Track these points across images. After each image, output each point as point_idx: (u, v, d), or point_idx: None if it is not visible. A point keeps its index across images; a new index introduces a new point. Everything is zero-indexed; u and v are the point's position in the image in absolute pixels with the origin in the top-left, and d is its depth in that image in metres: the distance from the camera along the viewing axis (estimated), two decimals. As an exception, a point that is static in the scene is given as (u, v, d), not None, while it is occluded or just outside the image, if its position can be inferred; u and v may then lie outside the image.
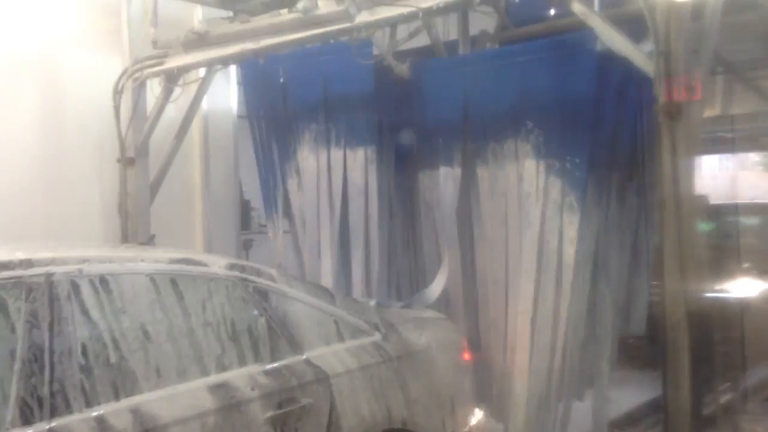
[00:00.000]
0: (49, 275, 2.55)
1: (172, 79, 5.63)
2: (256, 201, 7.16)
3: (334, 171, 5.42)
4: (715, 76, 5.84)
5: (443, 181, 5.02)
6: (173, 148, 6.04)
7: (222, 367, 2.89)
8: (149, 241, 4.01)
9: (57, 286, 2.55)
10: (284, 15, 4.52)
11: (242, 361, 2.98)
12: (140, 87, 5.74)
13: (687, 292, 3.60)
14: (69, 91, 5.91)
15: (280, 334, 3.14)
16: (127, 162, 5.76)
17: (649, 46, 3.68)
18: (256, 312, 3.13)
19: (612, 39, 3.85)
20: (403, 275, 5.53)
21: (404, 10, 4.18)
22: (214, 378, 2.84)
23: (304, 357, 3.17)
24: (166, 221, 6.16)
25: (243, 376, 2.93)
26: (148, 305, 2.78)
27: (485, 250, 4.91)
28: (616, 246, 4.80)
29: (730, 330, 5.43)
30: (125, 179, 5.79)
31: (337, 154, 5.39)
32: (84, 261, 2.67)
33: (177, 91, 5.72)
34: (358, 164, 5.29)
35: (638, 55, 3.74)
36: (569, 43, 4.45)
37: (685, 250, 3.59)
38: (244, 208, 7.46)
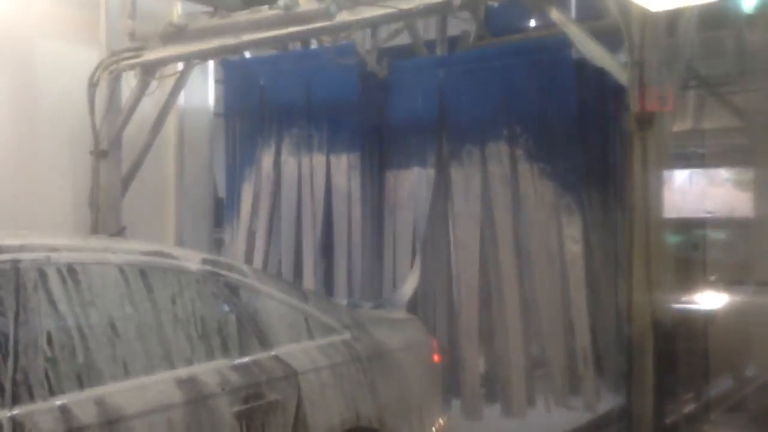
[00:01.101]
0: (15, 262, 2.50)
1: (148, 72, 5.59)
2: (230, 199, 7.10)
3: (316, 175, 5.42)
4: (687, 91, 5.93)
5: (417, 181, 5.03)
6: (147, 143, 5.99)
7: (190, 361, 2.86)
8: (120, 232, 3.96)
9: (24, 273, 2.50)
10: (265, 11, 4.52)
11: (210, 356, 2.95)
12: (116, 79, 5.69)
13: (653, 302, 3.66)
14: (43, 82, 5.83)
15: (250, 330, 3.13)
16: (99, 154, 5.70)
17: (624, 56, 3.74)
18: (226, 307, 3.10)
19: (588, 48, 3.91)
20: (381, 276, 5.53)
21: (384, 11, 4.20)
22: (182, 371, 2.81)
23: (273, 353, 3.15)
24: (138, 215, 6.10)
25: (211, 370, 2.89)
26: (117, 296, 2.74)
27: (462, 251, 4.92)
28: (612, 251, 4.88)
29: (694, 341, 5.50)
30: (97, 172, 5.73)
31: (319, 158, 5.39)
32: (53, 249, 2.63)
33: (153, 84, 5.69)
34: (342, 169, 5.29)
35: (613, 64, 3.80)
36: (547, 46, 4.51)
37: (653, 260, 3.65)
38: (218, 206, 7.40)
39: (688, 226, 6.49)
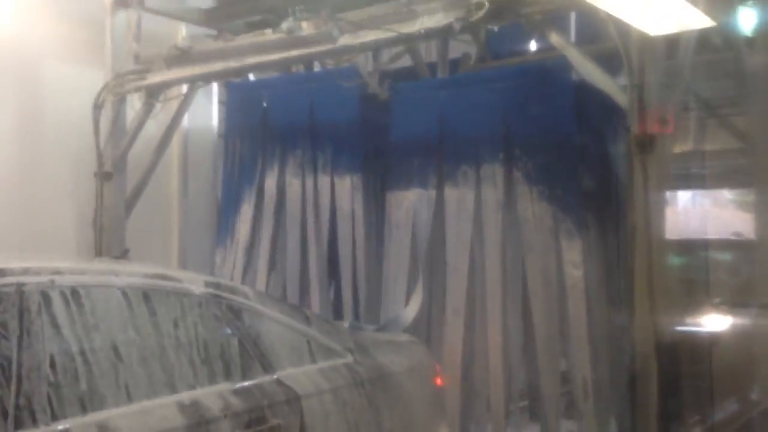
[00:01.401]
0: (20, 285, 2.51)
1: (153, 94, 5.63)
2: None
3: (321, 197, 5.42)
4: (688, 113, 5.96)
5: (417, 203, 5.04)
6: (151, 164, 6.02)
7: (192, 385, 2.85)
8: (123, 255, 3.97)
9: (28, 297, 2.51)
10: (268, 35, 4.56)
11: (212, 380, 2.93)
12: (121, 101, 5.73)
13: (656, 324, 3.65)
14: (48, 103, 5.88)
15: (252, 353, 3.12)
16: (104, 176, 5.73)
17: (623, 79, 3.77)
18: (228, 330, 3.10)
19: (588, 71, 3.94)
20: (384, 298, 5.52)
21: (386, 35, 4.24)
22: (184, 395, 2.80)
23: (276, 376, 3.14)
24: (142, 236, 6.11)
25: (213, 394, 2.88)
26: (120, 320, 2.74)
27: (452, 275, 4.88)
28: (616, 276, 4.79)
29: (699, 364, 5.47)
30: (101, 193, 5.75)
31: (324, 180, 5.40)
32: (56, 272, 2.63)
33: (158, 107, 5.72)
34: (345, 190, 5.30)
35: (613, 87, 3.83)
36: (547, 69, 4.54)
37: (656, 282, 3.65)
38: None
39: (690, 247, 6.48)
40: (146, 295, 2.84)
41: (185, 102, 6.07)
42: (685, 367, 4.89)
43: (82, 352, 2.57)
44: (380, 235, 5.36)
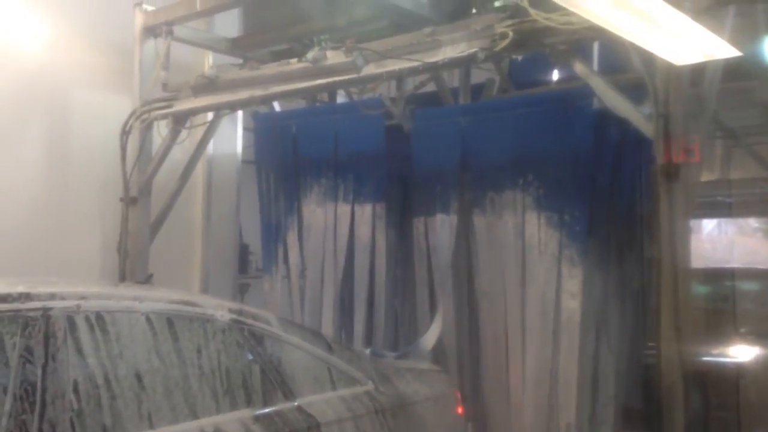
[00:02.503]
0: (46, 310, 2.54)
1: (179, 121, 5.72)
2: (255, 245, 7.18)
3: (340, 225, 5.45)
4: (714, 141, 5.93)
5: (440, 229, 5.03)
6: (176, 190, 6.09)
7: (214, 411, 2.86)
8: (147, 280, 4.00)
9: (54, 322, 2.54)
10: (293, 64, 4.62)
11: (234, 406, 2.94)
12: (148, 128, 5.82)
13: (683, 354, 3.60)
14: (76, 129, 5.99)
15: (273, 380, 3.12)
16: (129, 201, 5.80)
17: (648, 108, 3.76)
18: (250, 356, 3.11)
19: (612, 100, 3.94)
20: (404, 324, 5.51)
21: (410, 64, 4.27)
22: (205, 421, 2.81)
23: (296, 403, 3.15)
24: (165, 261, 6.17)
25: (234, 421, 2.89)
26: (144, 345, 2.77)
27: (482, 301, 4.88)
28: (617, 310, 4.70)
29: (725, 395, 5.37)
30: (126, 218, 5.82)
31: (344, 208, 5.44)
32: (82, 297, 2.67)
33: (183, 133, 5.81)
34: (366, 219, 5.32)
35: (637, 116, 3.82)
36: (567, 97, 4.54)
37: (682, 312, 3.60)
38: (243, 252, 7.47)
39: (717, 276, 6.40)
40: (170, 321, 2.88)
41: (210, 129, 6.15)
42: (712, 398, 4.80)
43: (106, 378, 2.60)
44: (400, 262, 5.36)
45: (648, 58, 3.57)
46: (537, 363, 4.48)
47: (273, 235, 5.96)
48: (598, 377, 4.50)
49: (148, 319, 2.81)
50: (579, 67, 4.03)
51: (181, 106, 5.56)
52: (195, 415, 2.80)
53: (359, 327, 5.32)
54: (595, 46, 4.98)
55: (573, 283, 4.38)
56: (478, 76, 5.88)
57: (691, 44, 3.13)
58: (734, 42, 3.20)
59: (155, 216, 6.01)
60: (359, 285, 5.35)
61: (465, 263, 4.99)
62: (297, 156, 5.79)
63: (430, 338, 4.75)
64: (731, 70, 3.93)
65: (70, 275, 5.58)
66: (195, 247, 6.82)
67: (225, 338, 3.03)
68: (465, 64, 4.86)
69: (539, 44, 4.02)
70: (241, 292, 7.31)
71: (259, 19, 5.88)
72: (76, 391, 2.50)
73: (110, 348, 2.65)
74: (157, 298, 2.95)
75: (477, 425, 4.80)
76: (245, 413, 2.95)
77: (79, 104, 6.01)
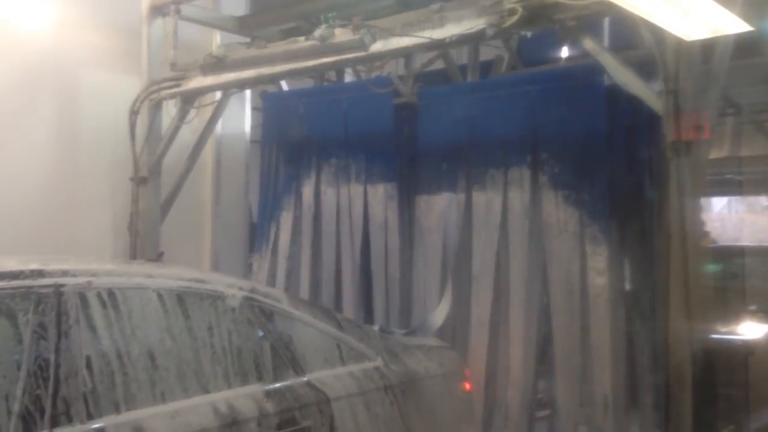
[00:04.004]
0: (58, 287, 2.57)
1: (188, 101, 5.72)
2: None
3: (354, 205, 5.46)
4: (724, 118, 5.88)
5: (447, 207, 5.02)
6: (186, 169, 6.11)
7: (224, 386, 2.90)
8: (158, 258, 4.04)
9: (66, 299, 2.57)
10: (301, 42, 4.60)
11: (244, 381, 2.98)
12: (156, 108, 5.83)
13: (692, 331, 3.60)
14: (86, 110, 6.01)
15: (283, 356, 3.16)
16: (139, 181, 5.83)
17: (658, 85, 3.73)
18: (260, 332, 3.14)
19: (622, 76, 3.91)
20: (416, 303, 5.52)
21: (418, 41, 4.25)
22: (216, 396, 2.85)
23: (306, 379, 3.19)
24: (175, 241, 6.21)
25: (244, 395, 2.93)
26: (155, 322, 2.80)
27: (476, 283, 4.85)
28: (647, 286, 4.61)
29: (734, 372, 5.39)
30: (137, 198, 5.85)
31: (357, 188, 5.44)
32: (93, 274, 2.70)
33: (192, 113, 5.81)
34: (378, 199, 5.32)
35: (648, 92, 3.79)
36: (578, 73, 4.50)
37: (691, 289, 3.60)
38: (253, 231, 7.49)
39: (726, 254, 6.39)
40: (180, 298, 2.90)
41: (219, 108, 6.15)
42: (721, 376, 4.81)
43: (118, 353, 2.63)
44: (412, 241, 5.36)
45: (658, 34, 3.54)
46: (566, 337, 4.46)
47: (268, 214, 5.96)
48: (634, 351, 4.46)
49: (159, 296, 2.84)
50: (589, 44, 3.99)
51: (189, 85, 5.56)
52: (207, 391, 2.83)
53: (379, 306, 5.33)
54: (605, 22, 4.94)
55: (598, 260, 4.34)
56: (487, 54, 5.85)
57: (702, 20, 3.10)
58: (745, 17, 3.17)
59: (165, 196, 6.03)
60: (376, 264, 5.35)
61: (468, 243, 4.97)
62: (304, 135, 5.78)
63: (438, 316, 4.77)
64: (742, 46, 3.89)
65: (81, 254, 5.64)
66: (205, 227, 6.85)
67: (236, 315, 3.07)
68: (473, 41, 4.81)
69: (549, 20, 3.98)
70: (251, 270, 7.35)
71: (266, -3, 5.87)
72: (89, 367, 2.53)
73: (122, 324, 2.68)
74: (169, 276, 2.98)
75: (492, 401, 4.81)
76: (256, 388, 2.99)
77: (88, 85, 6.02)
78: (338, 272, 5.53)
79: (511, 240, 4.69)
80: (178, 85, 5.62)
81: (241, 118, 7.02)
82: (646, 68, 3.87)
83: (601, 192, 4.39)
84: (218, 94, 6.04)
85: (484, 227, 4.82)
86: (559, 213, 4.49)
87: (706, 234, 4.77)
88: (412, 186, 5.38)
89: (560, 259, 4.49)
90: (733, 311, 5.73)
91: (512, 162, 4.70)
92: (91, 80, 6.03)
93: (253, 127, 7.05)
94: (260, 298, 3.20)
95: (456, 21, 4.23)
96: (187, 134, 6.07)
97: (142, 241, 5.81)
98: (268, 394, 3.01)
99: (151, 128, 5.82)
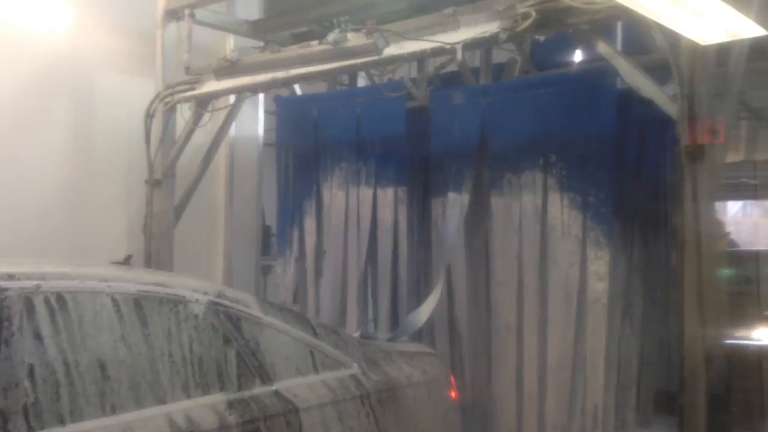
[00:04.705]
0: (2, 290, 2.43)
1: (202, 104, 5.76)
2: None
3: (363, 208, 5.45)
4: (739, 121, 5.85)
5: (456, 210, 5.00)
6: (199, 172, 6.15)
7: (183, 397, 2.74)
8: (126, 260, 3.85)
9: (9, 303, 2.42)
10: (314, 46, 4.61)
11: (205, 391, 2.82)
12: (171, 111, 5.87)
13: (706, 336, 3.58)
14: (102, 113, 6.07)
15: (249, 364, 3.00)
16: (154, 183, 5.88)
17: (672, 88, 3.72)
18: (225, 339, 2.97)
19: (636, 80, 3.90)
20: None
21: (431, 45, 4.26)
22: (173, 407, 2.69)
23: (274, 388, 3.03)
24: (189, 243, 6.25)
25: (205, 406, 2.77)
26: (108, 327, 2.62)
27: (496, 286, 4.83)
28: (643, 292, 4.64)
29: (748, 377, 5.35)
30: (151, 200, 5.90)
31: (367, 192, 5.43)
32: (42, 278, 2.54)
33: (206, 116, 5.84)
34: (388, 203, 5.31)
35: (662, 96, 3.78)
36: (590, 77, 4.48)
37: (705, 293, 3.58)
38: (265, 234, 7.54)
39: (741, 258, 6.35)
40: (138, 303, 2.73)
41: (232, 112, 6.18)
42: (735, 381, 4.78)
43: (65, 362, 2.48)
44: (421, 245, 5.35)
45: (672, 38, 3.53)
46: (560, 345, 4.45)
47: (289, 218, 5.98)
48: (621, 359, 4.47)
49: (114, 301, 2.66)
50: (602, 47, 3.98)
51: (203, 89, 5.60)
52: (163, 402, 2.67)
53: (383, 309, 5.33)
54: (619, 26, 4.93)
55: (599, 264, 4.31)
56: (499, 56, 5.84)
57: (717, 23, 3.09)
58: (761, 21, 3.15)
59: (179, 198, 6.07)
60: (383, 268, 5.35)
61: (482, 245, 4.97)
62: (318, 139, 5.80)
63: (423, 312, 4.59)
64: (758, 50, 3.87)
65: (96, 257, 5.69)
66: (218, 229, 6.89)
67: (199, 321, 2.89)
68: (486, 44, 4.82)
69: (562, 24, 3.98)
70: (263, 273, 7.39)
71: (280, 1, 5.89)
72: (31, 377, 2.37)
73: (71, 331, 2.51)
74: (126, 279, 2.79)
75: (482, 410, 4.79)
76: (218, 398, 2.83)
77: (104, 88, 6.08)
78: (365, 274, 5.51)
79: (525, 244, 4.67)
80: (192, 89, 5.66)
81: (254, 121, 7.06)
82: (659, 72, 3.86)
83: (607, 196, 4.37)
84: (232, 98, 6.07)
85: (502, 231, 4.79)
86: (563, 216, 4.47)
87: (726, 235, 4.74)
88: (424, 189, 5.37)
89: (561, 262, 4.47)
90: (747, 316, 5.69)
91: (526, 166, 4.68)
92: (107, 83, 6.09)
93: (266, 131, 7.09)
94: (227, 302, 3.04)
95: (469, 25, 4.23)
96: (201, 137, 6.11)
97: (157, 243, 5.85)
98: (231, 404, 2.85)
99: (166, 131, 5.86)
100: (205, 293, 2.98)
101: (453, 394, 3.82)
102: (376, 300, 5.44)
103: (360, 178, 5.49)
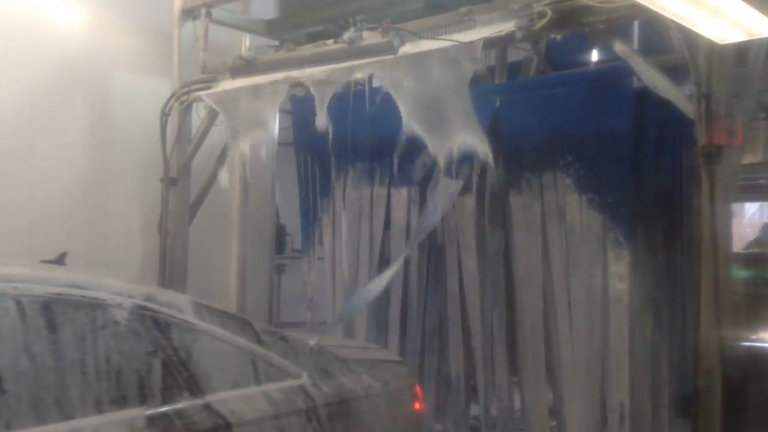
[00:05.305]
0: None
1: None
2: (291, 226, 7.25)
3: (376, 209, 5.47)
4: (757, 122, 5.78)
5: (469, 210, 5.00)
6: (214, 171, 6.17)
7: (93, 412, 2.47)
8: (60, 258, 3.62)
9: None
10: (329, 45, 4.63)
11: (122, 405, 2.54)
12: (186, 109, 5.90)
13: (722, 338, 3.56)
14: (118, 111, 6.11)
15: (177, 375, 2.72)
16: (169, 182, 5.90)
17: (689, 88, 3.70)
18: (149, 346, 2.69)
19: (653, 79, 3.87)
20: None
21: (447, 44, 4.25)
22: (80, 423, 2.42)
23: (205, 401, 2.75)
24: (204, 241, 6.28)
25: (119, 422, 2.50)
26: (8, 335, 2.35)
27: (519, 286, 4.83)
28: (667, 293, 4.59)
29: (765, 380, 5.30)
30: (167, 198, 5.93)
31: (381, 191, 5.44)
32: None
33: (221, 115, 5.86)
34: (401, 203, 5.31)
35: (679, 96, 3.76)
36: (607, 76, 4.45)
37: (722, 295, 3.56)
38: (279, 233, 7.55)
39: (757, 260, 6.29)
40: (47, 307, 2.46)
41: (248, 110, 6.19)
42: (751, 383, 4.74)
43: None
44: (435, 246, 5.33)
45: (690, 37, 3.50)
46: (586, 345, 4.43)
47: (311, 217, 5.99)
48: (652, 359, 4.42)
49: (18, 305, 2.39)
50: (619, 47, 3.96)
51: (219, 87, 5.62)
52: (69, 417, 2.40)
53: (395, 310, 5.33)
54: (635, 25, 4.90)
55: (620, 265, 4.29)
56: (515, 55, 5.82)
57: (735, 22, 3.06)
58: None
59: (194, 197, 6.10)
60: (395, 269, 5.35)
61: (500, 245, 4.95)
62: (333, 139, 5.80)
63: (373, 289, 4.35)
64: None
65: (112, 255, 5.75)
66: (233, 228, 6.91)
67: (120, 328, 2.62)
68: (502, 44, 4.81)
69: (578, 23, 3.96)
70: (278, 272, 7.41)
71: (295, 0, 5.89)
72: None
73: None
74: (37, 280, 2.53)
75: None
76: (136, 413, 2.55)
77: (120, 86, 6.12)
78: (357, 273, 5.53)
79: (550, 245, 4.65)
80: (208, 88, 5.68)
81: (268, 120, 7.06)
82: (676, 72, 3.83)
83: (626, 196, 4.34)
84: (247, 97, 6.08)
85: (524, 231, 4.76)
86: (582, 216, 4.44)
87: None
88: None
89: (582, 263, 4.45)
90: (764, 318, 5.64)
91: (544, 166, 4.65)
92: (123, 82, 6.13)
93: (280, 130, 7.08)
94: (156, 307, 2.77)
95: (485, 24, 4.22)
96: (216, 136, 6.13)
97: (172, 241, 5.88)
98: (152, 420, 2.57)
99: (181, 130, 5.89)
100: (130, 296, 2.71)
101: (417, 406, 3.52)
102: (389, 299, 5.40)
103: (375, 177, 5.49)
